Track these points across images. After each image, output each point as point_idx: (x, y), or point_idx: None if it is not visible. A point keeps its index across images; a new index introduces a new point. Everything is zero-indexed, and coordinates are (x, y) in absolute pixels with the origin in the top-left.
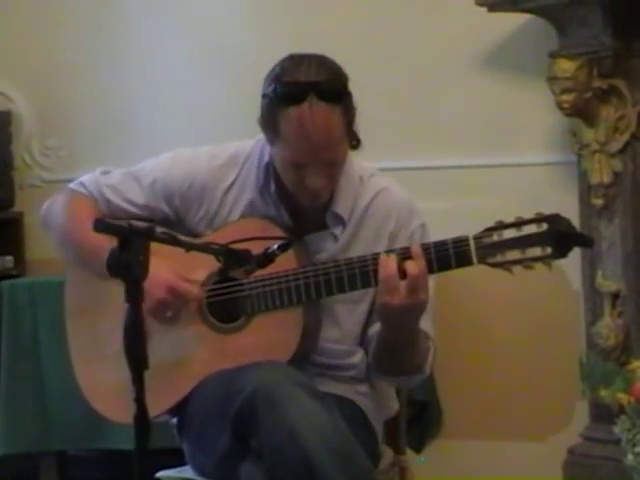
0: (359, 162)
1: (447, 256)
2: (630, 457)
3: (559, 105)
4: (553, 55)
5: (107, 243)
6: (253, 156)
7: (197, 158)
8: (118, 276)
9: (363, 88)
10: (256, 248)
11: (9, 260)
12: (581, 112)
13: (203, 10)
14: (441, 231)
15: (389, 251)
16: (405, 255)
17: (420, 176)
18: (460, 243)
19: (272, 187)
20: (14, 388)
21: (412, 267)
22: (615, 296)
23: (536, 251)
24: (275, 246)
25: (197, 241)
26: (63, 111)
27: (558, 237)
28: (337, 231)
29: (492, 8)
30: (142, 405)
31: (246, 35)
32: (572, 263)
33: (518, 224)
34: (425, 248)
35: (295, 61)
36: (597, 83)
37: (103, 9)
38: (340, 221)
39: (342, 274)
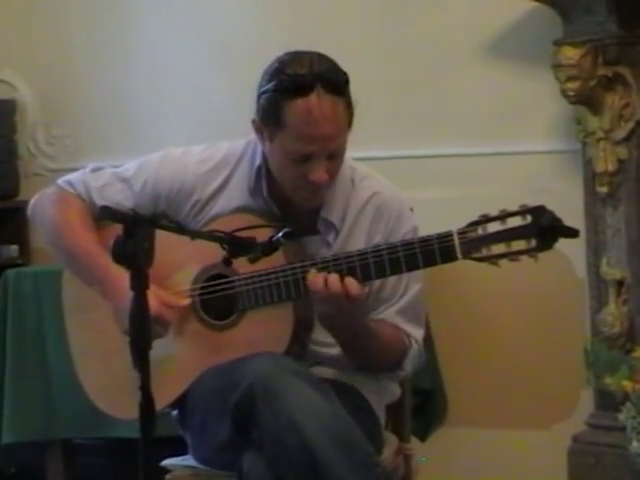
0: (350, 161)
1: (432, 252)
2: (635, 444)
3: (564, 93)
4: (558, 43)
5: (93, 249)
6: (245, 158)
7: (186, 160)
8: (123, 264)
9: (366, 77)
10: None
11: (14, 249)
12: (586, 100)
13: (207, 1)
14: (445, 220)
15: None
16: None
17: (424, 165)
18: (444, 239)
19: (265, 191)
20: (20, 377)
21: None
22: (620, 284)
23: (521, 244)
24: (280, 234)
25: (202, 230)
26: (68, 100)
27: (542, 229)
28: (330, 237)
29: None
30: (147, 393)
31: (249, 27)
32: (577, 251)
33: (502, 217)
34: (409, 244)
35: (295, 56)
36: (602, 71)
37: None
38: (332, 227)
39: (330, 270)
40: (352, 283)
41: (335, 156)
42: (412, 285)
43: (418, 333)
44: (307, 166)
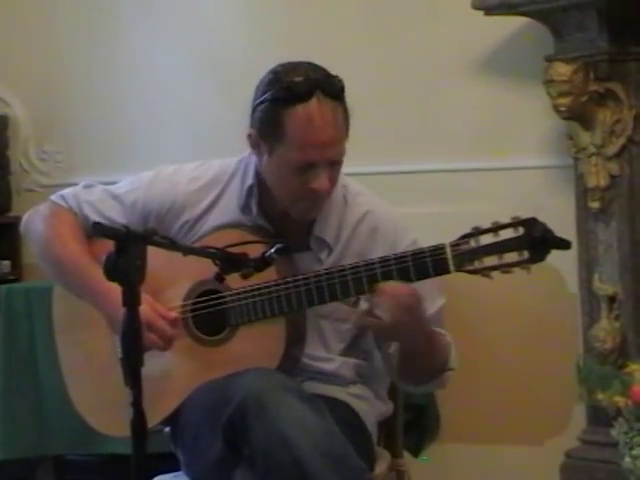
0: (342, 178)
1: (424, 264)
2: (627, 460)
3: (556, 108)
4: (549, 59)
5: (85, 261)
6: (237, 176)
7: (177, 179)
8: (115, 280)
9: (358, 92)
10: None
11: (6, 265)
12: (578, 115)
13: (199, 16)
14: (437, 236)
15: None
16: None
17: (415, 180)
18: (437, 252)
19: (254, 210)
20: (11, 393)
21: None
22: (612, 299)
23: (513, 256)
24: (273, 250)
25: (195, 245)
26: (60, 116)
27: (534, 241)
28: (322, 255)
29: (488, 12)
30: (139, 409)
31: (242, 41)
32: (569, 266)
33: (495, 229)
34: (402, 257)
35: (289, 66)
36: (593, 87)
37: (100, 14)
38: (325, 245)
39: (322, 284)
40: (396, 284)
41: (336, 163)
42: (437, 300)
43: (444, 329)
44: (309, 175)
